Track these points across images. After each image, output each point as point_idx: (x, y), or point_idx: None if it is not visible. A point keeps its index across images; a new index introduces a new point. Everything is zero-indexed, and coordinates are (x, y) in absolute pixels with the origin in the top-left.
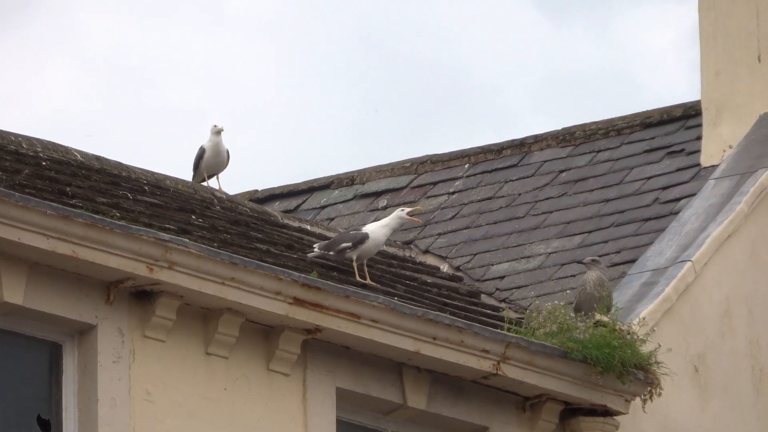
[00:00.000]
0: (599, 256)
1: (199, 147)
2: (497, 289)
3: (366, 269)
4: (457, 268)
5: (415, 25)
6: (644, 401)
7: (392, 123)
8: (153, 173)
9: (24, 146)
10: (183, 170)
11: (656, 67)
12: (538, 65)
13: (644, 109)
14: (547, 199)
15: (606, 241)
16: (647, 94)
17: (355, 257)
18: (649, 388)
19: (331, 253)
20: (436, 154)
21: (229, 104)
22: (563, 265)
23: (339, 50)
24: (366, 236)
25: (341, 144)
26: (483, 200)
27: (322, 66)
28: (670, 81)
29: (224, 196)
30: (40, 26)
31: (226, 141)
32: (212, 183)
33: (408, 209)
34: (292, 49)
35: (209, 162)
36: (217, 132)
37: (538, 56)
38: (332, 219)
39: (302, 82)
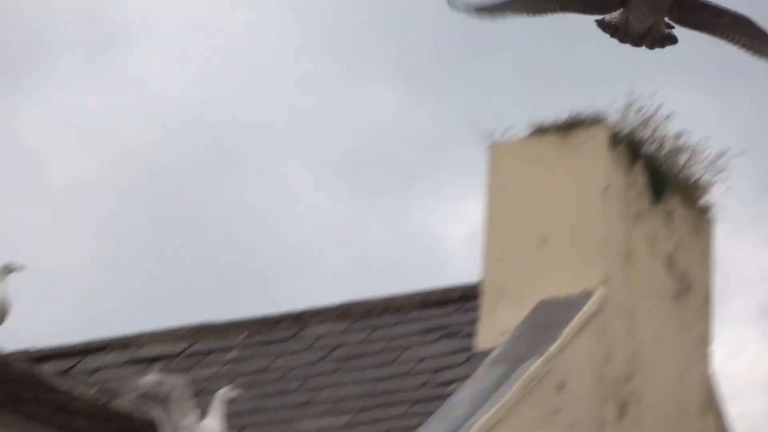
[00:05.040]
0: None
1: None
2: None
3: None
4: None
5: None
6: None
7: (180, 291)
8: None
9: None
10: None
11: (457, 256)
12: (345, 249)
13: (423, 289)
14: (320, 374)
15: (374, 422)
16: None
17: None
18: None
19: None
20: (211, 322)
21: None
22: None
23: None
24: None
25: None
26: (256, 372)
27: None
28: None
29: None
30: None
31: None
32: None
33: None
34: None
35: None
36: (9, 272)
37: (345, 240)
38: (106, 381)
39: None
